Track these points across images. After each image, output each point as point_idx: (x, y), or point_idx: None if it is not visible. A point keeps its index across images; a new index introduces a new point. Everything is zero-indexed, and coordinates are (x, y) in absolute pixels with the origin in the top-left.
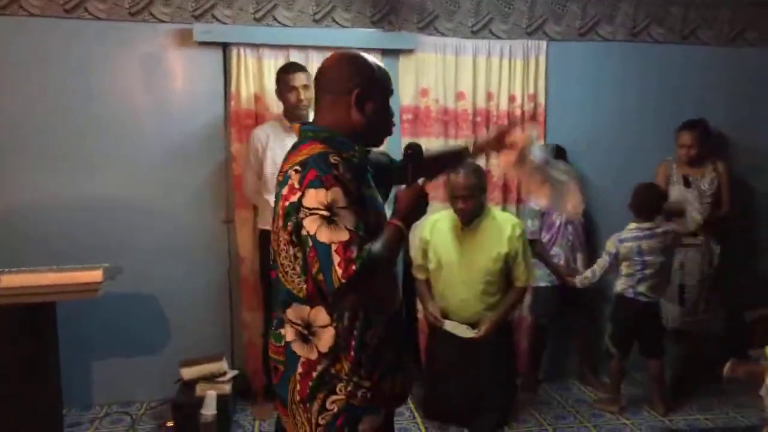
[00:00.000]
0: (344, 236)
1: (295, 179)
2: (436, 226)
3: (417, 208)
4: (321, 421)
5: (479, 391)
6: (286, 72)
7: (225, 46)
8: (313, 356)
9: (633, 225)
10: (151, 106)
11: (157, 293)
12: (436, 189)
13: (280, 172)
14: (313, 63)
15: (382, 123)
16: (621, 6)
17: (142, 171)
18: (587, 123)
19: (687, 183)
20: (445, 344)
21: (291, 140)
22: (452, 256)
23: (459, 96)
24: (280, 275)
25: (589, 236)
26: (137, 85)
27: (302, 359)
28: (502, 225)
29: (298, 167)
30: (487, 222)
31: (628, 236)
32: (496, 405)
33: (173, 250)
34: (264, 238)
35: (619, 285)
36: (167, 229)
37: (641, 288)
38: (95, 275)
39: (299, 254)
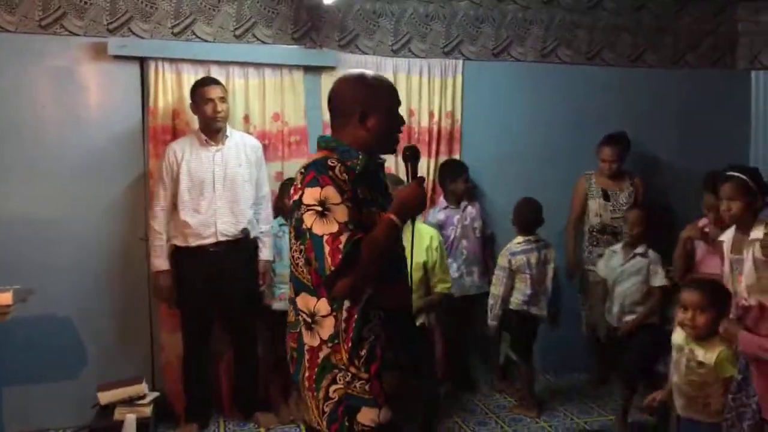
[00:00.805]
0: (334, 228)
1: (299, 180)
2: None
3: (413, 202)
4: (326, 409)
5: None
6: (203, 85)
7: (142, 61)
8: (316, 343)
9: (521, 238)
10: (64, 120)
11: (71, 314)
12: None
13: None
14: (234, 79)
15: (387, 133)
16: (532, 29)
17: (54, 186)
18: (500, 139)
19: (606, 196)
20: None
21: (208, 154)
22: None
23: None
24: (292, 267)
25: (486, 249)
26: (50, 98)
27: (307, 346)
28: (422, 235)
29: (302, 169)
30: (405, 232)
31: (517, 249)
32: (419, 413)
33: (89, 269)
34: (176, 255)
35: (513, 299)
36: (82, 247)
37: (532, 302)
38: (4, 298)
39: (302, 247)
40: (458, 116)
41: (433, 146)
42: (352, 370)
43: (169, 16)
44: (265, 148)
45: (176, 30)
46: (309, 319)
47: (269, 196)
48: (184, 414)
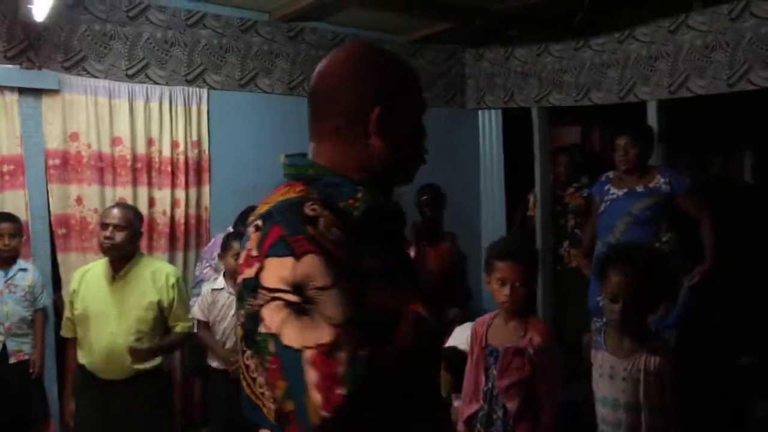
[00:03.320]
0: (325, 336)
1: (253, 241)
2: (86, 276)
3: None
4: None
5: None
6: None
7: None
8: None
9: None
10: None
11: None
12: (91, 239)
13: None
14: None
15: (409, 149)
16: (278, 62)
17: None
18: (251, 170)
19: None
20: (86, 399)
21: None
22: (102, 307)
23: (115, 141)
24: (245, 383)
25: None
26: None
27: None
28: (156, 273)
29: (260, 221)
30: (141, 269)
31: None
32: None
33: None
34: None
35: None
36: None
37: None
38: None
39: (259, 360)
40: (205, 146)
41: (180, 177)
42: None
43: None
44: None
45: None
46: None
47: None
48: None
